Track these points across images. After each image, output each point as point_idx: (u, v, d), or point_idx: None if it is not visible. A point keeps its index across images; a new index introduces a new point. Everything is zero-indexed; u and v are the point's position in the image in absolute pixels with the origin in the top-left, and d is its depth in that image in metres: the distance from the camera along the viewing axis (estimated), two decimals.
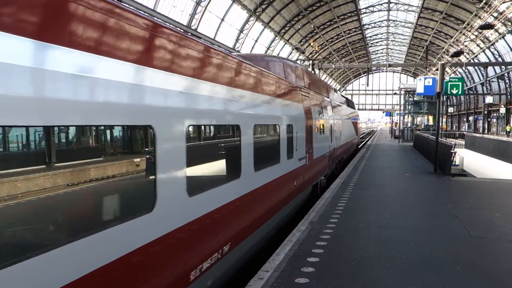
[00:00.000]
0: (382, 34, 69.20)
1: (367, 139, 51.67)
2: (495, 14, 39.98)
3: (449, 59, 46.93)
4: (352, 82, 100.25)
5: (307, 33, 54.18)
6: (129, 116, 3.24)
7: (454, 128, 74.32)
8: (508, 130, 48.44)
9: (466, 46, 51.39)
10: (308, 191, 11.59)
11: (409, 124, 43.62)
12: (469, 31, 46.90)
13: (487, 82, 51.71)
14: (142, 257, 3.39)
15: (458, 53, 36.85)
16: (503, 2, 35.78)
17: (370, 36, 69.71)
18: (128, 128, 3.44)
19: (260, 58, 9.26)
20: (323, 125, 13.36)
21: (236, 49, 40.24)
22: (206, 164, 5.30)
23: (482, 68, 50.33)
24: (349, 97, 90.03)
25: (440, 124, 21.01)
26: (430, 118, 42.32)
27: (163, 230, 3.67)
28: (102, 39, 3.08)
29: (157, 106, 3.63)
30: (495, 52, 50.03)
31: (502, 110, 52.89)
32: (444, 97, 54.80)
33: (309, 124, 10.96)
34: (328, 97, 15.98)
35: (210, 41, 34.60)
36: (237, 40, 41.26)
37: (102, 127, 3.29)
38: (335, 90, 21.15)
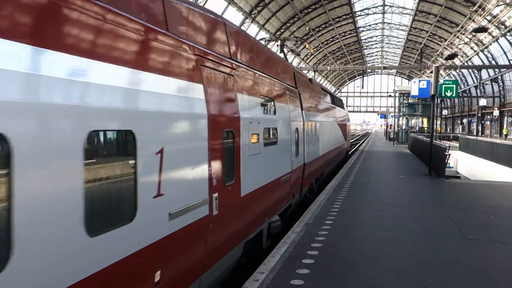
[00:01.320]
0: (377, 36, 69.51)
1: (362, 141, 51.86)
2: (489, 18, 40.29)
3: (443, 61, 47.26)
4: (347, 84, 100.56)
5: (302, 35, 54.28)
6: None
7: (448, 131, 74.73)
8: (505, 133, 48.63)
9: (460, 49, 51.73)
10: (233, 259, 5.99)
11: (403, 126, 43.82)
12: (463, 34, 47.21)
13: (481, 84, 52.07)
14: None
15: (452, 56, 37.14)
16: (497, 6, 36.07)
17: (365, 39, 70.00)
18: None
19: None
20: (276, 129, 8.04)
21: None
22: None
23: (476, 71, 50.70)
24: (343, 100, 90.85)
25: (435, 126, 21.06)
26: (425, 120, 42.56)
27: None
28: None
29: None
30: (489, 55, 50.40)
31: (496, 112, 53.29)
32: (439, 99, 55.17)
33: (223, 129, 5.34)
34: (295, 88, 10.64)
35: None
36: None
37: None
38: (311, 81, 14.95)
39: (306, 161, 11.12)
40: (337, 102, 22.09)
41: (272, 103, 8.01)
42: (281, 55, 14.84)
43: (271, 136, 7.82)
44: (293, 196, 9.76)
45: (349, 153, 29.58)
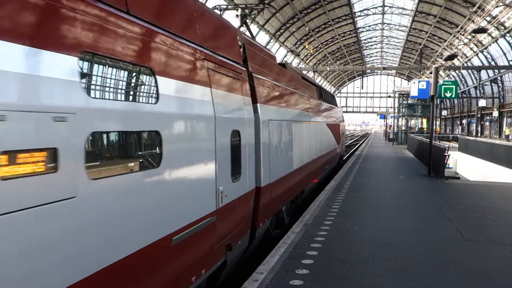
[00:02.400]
0: (376, 37, 69.54)
1: (361, 141, 51.89)
2: (488, 18, 40.34)
3: (443, 62, 47.29)
4: (346, 85, 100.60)
5: (302, 35, 54.32)
6: None
7: (447, 131, 74.77)
8: (507, 133, 48.58)
9: (459, 49, 51.78)
10: None
11: (403, 127, 43.87)
12: (463, 35, 47.25)
13: (480, 85, 52.12)
14: None
15: (451, 57, 37.17)
16: (496, 7, 36.11)
17: (365, 39, 70.03)
18: None
19: None
20: (160, 135, 3.96)
21: None
22: None
23: (475, 72, 50.74)
24: (342, 100, 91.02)
25: (434, 127, 21.05)
26: (424, 121, 42.59)
27: None
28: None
29: None
30: (488, 56, 50.45)
31: (495, 113, 53.32)
32: (438, 100, 55.19)
33: None
34: (241, 65, 6.71)
35: None
36: None
37: None
38: (286, 66, 10.83)
39: (266, 182, 7.18)
40: (326, 97, 17.70)
41: (147, 78, 3.90)
42: (247, 33, 10.24)
43: (131, 151, 3.82)
44: (230, 248, 5.67)
45: (344, 158, 26.05)
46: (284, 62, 11.23)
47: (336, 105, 21.72)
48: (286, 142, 9.07)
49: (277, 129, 8.21)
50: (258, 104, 7.10)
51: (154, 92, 3.91)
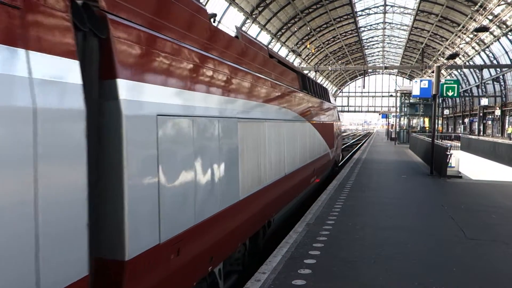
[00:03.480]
0: (378, 36, 69.47)
1: (364, 140, 51.87)
2: (490, 17, 40.24)
3: (445, 61, 47.21)
4: (348, 84, 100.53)
5: (303, 35, 54.31)
6: None
7: (450, 130, 74.60)
8: (509, 132, 48.46)
9: (461, 48, 51.66)
10: None
11: (405, 126, 43.77)
12: (465, 33, 47.15)
13: (482, 84, 51.97)
14: None
15: (453, 56, 37.07)
16: (498, 5, 36.01)
17: (366, 39, 69.96)
18: None
19: None
20: None
21: None
22: None
23: (477, 71, 50.61)
24: (344, 100, 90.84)
25: (436, 126, 21.02)
26: (426, 120, 42.51)
27: None
28: None
29: None
30: (490, 55, 50.32)
31: (497, 112, 53.21)
32: (440, 99, 55.07)
33: None
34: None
35: None
36: None
37: None
38: (239, 36, 6.72)
39: (149, 244, 3.43)
40: (314, 89, 13.28)
41: None
42: None
43: None
44: None
45: (342, 162, 22.28)
46: (240, 32, 6.97)
47: (329, 101, 17.24)
48: (223, 154, 5.06)
49: (194, 133, 4.30)
50: (119, 81, 3.16)
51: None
